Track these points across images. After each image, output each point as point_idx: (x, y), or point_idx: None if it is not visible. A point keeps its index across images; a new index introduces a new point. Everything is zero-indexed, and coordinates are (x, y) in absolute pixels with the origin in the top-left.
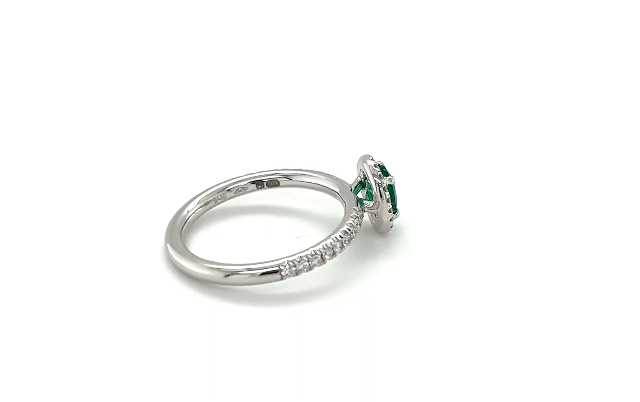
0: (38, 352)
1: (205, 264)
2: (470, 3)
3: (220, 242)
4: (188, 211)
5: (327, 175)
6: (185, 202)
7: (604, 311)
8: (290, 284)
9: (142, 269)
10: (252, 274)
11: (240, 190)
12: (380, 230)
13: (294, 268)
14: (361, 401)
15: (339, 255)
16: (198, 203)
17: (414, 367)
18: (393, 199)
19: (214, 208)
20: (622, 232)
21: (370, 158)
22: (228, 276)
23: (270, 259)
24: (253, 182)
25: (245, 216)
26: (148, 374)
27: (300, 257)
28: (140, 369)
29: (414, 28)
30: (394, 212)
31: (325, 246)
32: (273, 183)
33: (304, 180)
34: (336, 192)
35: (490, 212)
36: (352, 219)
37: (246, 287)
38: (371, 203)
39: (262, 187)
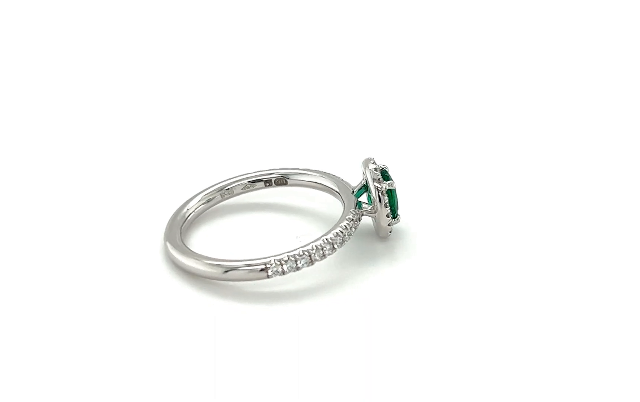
0: (37, 350)
1: (199, 260)
2: (475, 5)
3: (221, 240)
4: (188, 209)
5: (333, 176)
6: (186, 199)
7: (607, 321)
8: (290, 284)
9: (141, 266)
10: (248, 271)
11: (248, 187)
12: (380, 235)
13: (280, 268)
14: (360, 400)
15: (329, 257)
16: (199, 200)
17: (411, 368)
18: (392, 204)
19: (218, 204)
20: (625, 239)
21: (372, 161)
22: (226, 271)
23: (258, 257)
24: (260, 180)
25: (249, 213)
26: (147, 371)
27: (288, 256)
28: (139, 366)
29: (424, 32)
30: (393, 218)
31: (314, 247)
32: (281, 181)
33: (307, 179)
34: (338, 193)
35: (492, 219)
36: (347, 222)
37: (238, 284)
38: (370, 207)
39: (270, 185)
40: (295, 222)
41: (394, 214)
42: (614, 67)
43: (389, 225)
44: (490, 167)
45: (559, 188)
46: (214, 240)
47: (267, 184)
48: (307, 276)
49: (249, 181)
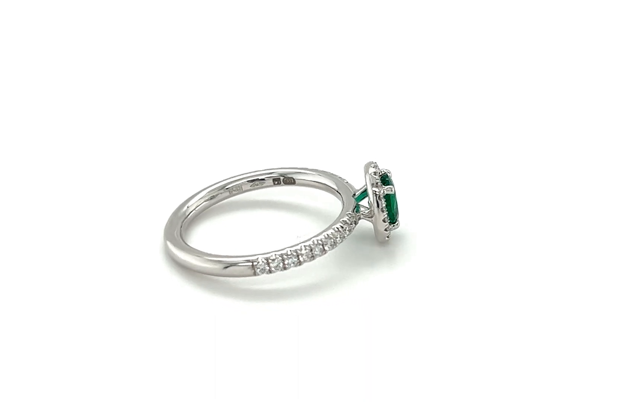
0: (36, 349)
1: (191, 254)
2: (481, 8)
3: (220, 237)
4: (189, 206)
5: (337, 178)
6: (188, 196)
7: (608, 332)
8: (287, 283)
9: (142, 263)
10: (233, 268)
11: (257, 184)
12: (378, 239)
13: (267, 266)
14: (360, 398)
15: (322, 257)
16: (202, 197)
17: (408, 369)
18: (390, 210)
19: (224, 201)
20: (625, 241)
21: (373, 165)
22: (227, 267)
23: (245, 255)
24: (261, 179)
25: (253, 211)
26: (146, 368)
27: (275, 255)
28: (139, 363)
29: (430, 34)
30: (391, 223)
31: (303, 247)
32: (289, 180)
33: (310, 179)
34: (340, 194)
35: (492, 226)
36: (340, 224)
37: (233, 282)
38: (367, 211)
39: (279, 183)
40: (299, 221)
41: (392, 219)
42: (613, 67)
43: (385, 230)
44: (494, 175)
45: (558, 191)
46: (214, 237)
47: (276, 182)
48: (305, 276)
49: (248, 180)
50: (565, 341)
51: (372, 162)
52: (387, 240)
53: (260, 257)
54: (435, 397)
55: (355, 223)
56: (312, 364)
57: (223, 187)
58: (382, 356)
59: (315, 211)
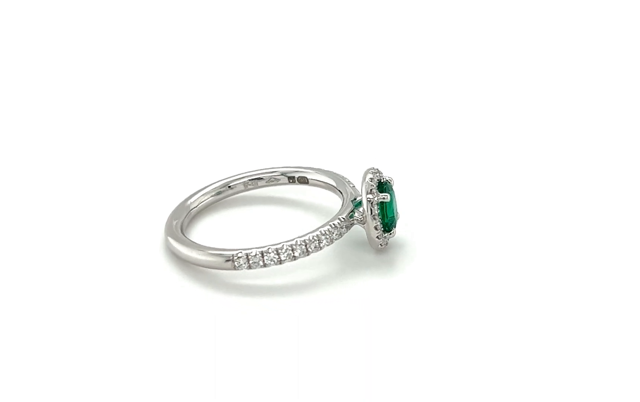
0: (36, 345)
1: (185, 246)
2: (484, 9)
3: (224, 231)
4: (190, 203)
5: (345, 182)
6: (190, 194)
7: (610, 334)
8: (289, 281)
9: (143, 259)
10: (214, 260)
11: (272, 181)
12: (372, 246)
13: (246, 262)
14: (359, 397)
15: (300, 259)
16: (205, 193)
17: (408, 368)
18: (383, 218)
19: (232, 197)
20: (628, 244)
21: (372, 171)
22: (206, 259)
23: (226, 248)
24: (261, 178)
25: (261, 207)
26: (145, 366)
27: (256, 251)
28: (138, 361)
29: (434, 36)
30: (385, 232)
31: (284, 247)
32: (302, 179)
33: (312, 178)
34: (342, 198)
35: (494, 233)
36: (329, 227)
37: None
38: (360, 217)
39: (294, 182)
40: (306, 219)
41: (386, 228)
42: (614, 68)
43: (378, 237)
44: (496, 183)
45: (559, 197)
46: (216, 232)
47: (291, 181)
48: (304, 277)
49: (249, 179)
50: (565, 349)
51: (372, 169)
52: (381, 248)
53: (242, 252)
54: (434, 399)
55: (347, 228)
56: (311, 364)
57: (226, 184)
58: (381, 357)
59: (325, 211)
